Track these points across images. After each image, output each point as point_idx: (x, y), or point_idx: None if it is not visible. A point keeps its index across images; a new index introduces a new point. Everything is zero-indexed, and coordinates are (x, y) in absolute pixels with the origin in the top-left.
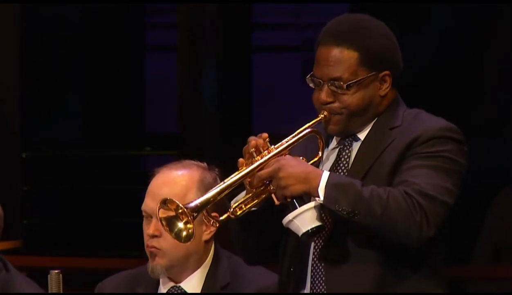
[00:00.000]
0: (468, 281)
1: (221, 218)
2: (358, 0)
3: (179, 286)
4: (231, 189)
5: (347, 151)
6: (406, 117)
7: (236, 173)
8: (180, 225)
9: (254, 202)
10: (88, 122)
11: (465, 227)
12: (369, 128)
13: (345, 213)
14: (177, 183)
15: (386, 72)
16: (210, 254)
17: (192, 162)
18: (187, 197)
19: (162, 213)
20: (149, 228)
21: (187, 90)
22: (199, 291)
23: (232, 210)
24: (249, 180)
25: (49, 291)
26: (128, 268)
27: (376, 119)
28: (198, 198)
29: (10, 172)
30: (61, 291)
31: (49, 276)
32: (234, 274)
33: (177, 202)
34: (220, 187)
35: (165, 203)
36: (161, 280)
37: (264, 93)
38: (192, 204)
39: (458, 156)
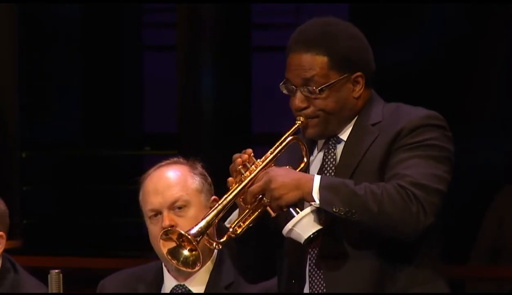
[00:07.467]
0: (467, 281)
1: (222, 239)
2: (357, 0)
3: (183, 285)
4: (226, 209)
5: (332, 154)
6: (386, 112)
7: (228, 193)
8: (186, 252)
9: (252, 218)
10: (87, 122)
11: (464, 226)
12: (350, 128)
13: (342, 213)
14: (175, 171)
15: (358, 73)
16: (214, 253)
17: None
18: (188, 182)
19: (164, 246)
20: (164, 222)
21: (186, 90)
22: (203, 290)
23: (232, 229)
24: (241, 197)
25: (49, 291)
26: (128, 268)
27: (356, 118)
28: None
29: (10, 172)
30: (61, 291)
31: (49, 276)
32: (237, 273)
33: (179, 230)
34: (217, 209)
35: (166, 234)
36: (164, 279)
37: (264, 93)
38: (194, 230)
39: (444, 142)
